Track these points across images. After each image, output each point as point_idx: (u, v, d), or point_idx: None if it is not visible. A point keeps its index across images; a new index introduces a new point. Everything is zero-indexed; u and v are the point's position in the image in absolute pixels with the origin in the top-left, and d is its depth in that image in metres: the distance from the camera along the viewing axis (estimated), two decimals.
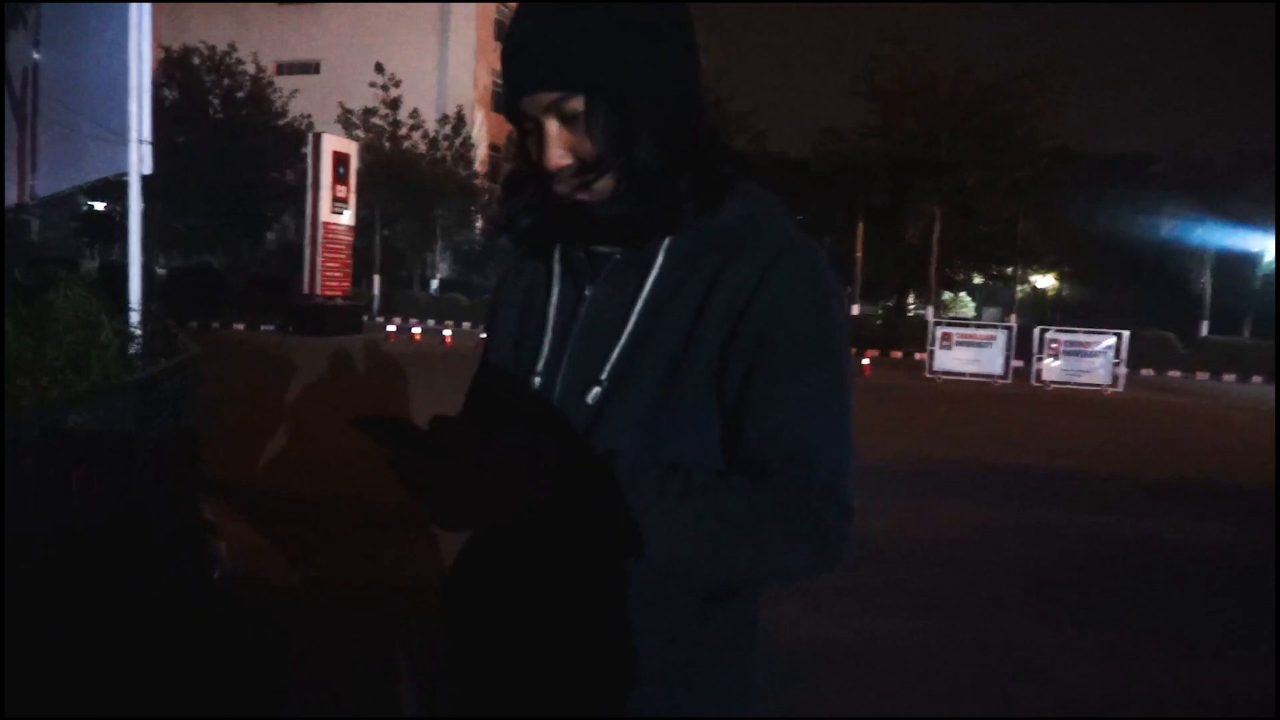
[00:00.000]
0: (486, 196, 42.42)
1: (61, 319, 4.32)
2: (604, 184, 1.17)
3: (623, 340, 1.19)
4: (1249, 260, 36.29)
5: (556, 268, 1.29)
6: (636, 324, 1.19)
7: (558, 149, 1.17)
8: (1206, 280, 36.72)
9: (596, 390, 1.19)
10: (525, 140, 1.22)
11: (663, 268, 1.20)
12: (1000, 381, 21.10)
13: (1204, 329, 35.19)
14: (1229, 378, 28.15)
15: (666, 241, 1.20)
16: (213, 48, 39.18)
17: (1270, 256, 35.72)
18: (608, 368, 1.18)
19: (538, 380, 1.25)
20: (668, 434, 1.16)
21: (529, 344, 1.29)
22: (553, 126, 1.17)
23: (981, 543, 6.63)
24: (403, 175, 37.88)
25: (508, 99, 1.19)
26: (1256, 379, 27.88)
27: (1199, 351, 29.79)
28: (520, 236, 1.29)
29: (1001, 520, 7.31)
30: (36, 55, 5.95)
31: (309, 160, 26.12)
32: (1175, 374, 27.66)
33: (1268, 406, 19.67)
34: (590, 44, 1.13)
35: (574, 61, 1.13)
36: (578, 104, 1.15)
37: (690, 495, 1.07)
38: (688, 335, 1.16)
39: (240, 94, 39.52)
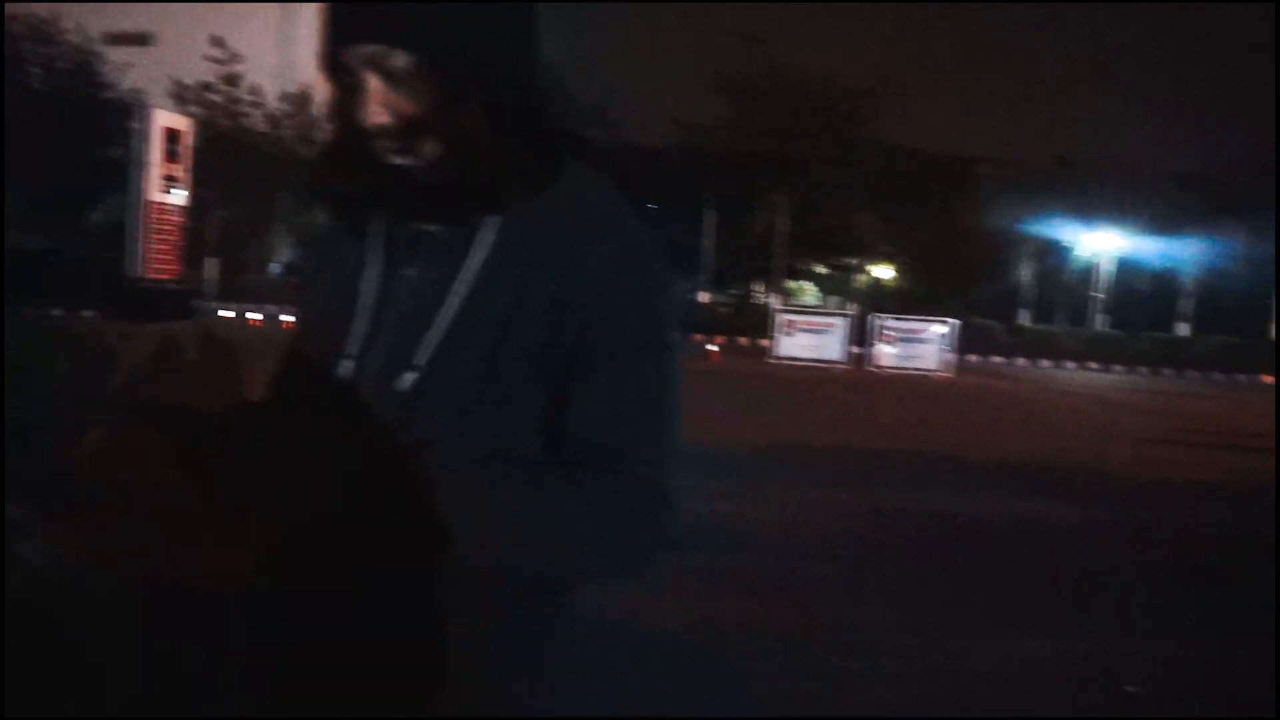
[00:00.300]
0: None
1: None
2: (427, 148, 1.09)
3: (440, 323, 1.11)
4: (1063, 255, 39.02)
5: (373, 245, 1.19)
6: (455, 306, 1.11)
7: (378, 106, 1.07)
8: (1026, 272, 39.20)
9: (412, 376, 1.11)
10: (344, 98, 1.13)
11: (486, 246, 1.12)
12: (839, 367, 21.94)
13: (1024, 318, 37.62)
14: (1045, 363, 30.21)
15: (491, 220, 1.13)
16: (34, 15, 36.53)
17: (1079, 251, 38.53)
18: (424, 352, 1.11)
19: (349, 365, 1.16)
20: (487, 424, 1.10)
21: (341, 326, 1.19)
22: (373, 82, 1.07)
23: (816, 525, 6.85)
24: (241, 155, 36.27)
25: (326, 50, 1.11)
26: (1069, 364, 30.04)
27: (1020, 338, 31.89)
28: (336, 205, 1.21)
29: (836, 502, 7.58)
30: None
31: (138, 136, 24.70)
32: (998, 359, 29.45)
33: (1082, 389, 21.17)
34: None
35: (402, 14, 1.06)
36: (402, 60, 1.06)
37: (505, 487, 1.05)
38: (510, 321, 1.09)
39: (64, 65, 36.98)
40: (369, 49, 1.07)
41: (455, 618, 1.12)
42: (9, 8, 35.56)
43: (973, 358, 28.20)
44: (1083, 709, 3.98)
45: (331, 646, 1.15)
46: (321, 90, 1.21)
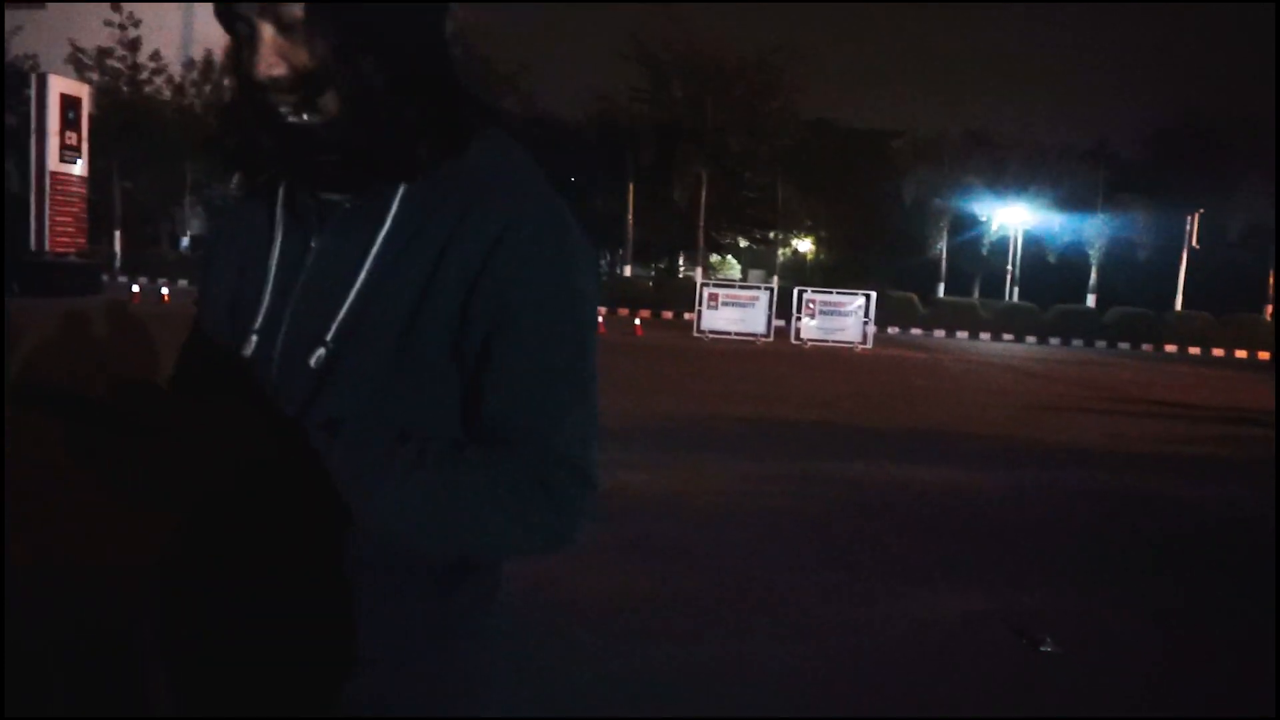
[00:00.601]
0: None
1: None
2: (327, 103, 1.05)
3: (351, 297, 1.07)
4: (978, 229, 39.97)
5: (280, 215, 1.15)
6: (366, 279, 1.07)
7: (271, 57, 1.03)
8: (942, 246, 40.06)
9: (321, 352, 1.07)
10: (240, 50, 1.07)
11: (396, 217, 1.08)
12: (763, 340, 22.18)
13: (941, 291, 38.47)
14: (962, 334, 31.02)
15: (402, 189, 1.09)
16: None
17: (993, 225, 39.55)
18: (334, 327, 1.07)
19: (254, 340, 1.12)
20: (401, 400, 1.07)
21: (247, 301, 1.15)
22: (267, 31, 1.03)
23: (735, 495, 6.94)
24: (144, 123, 34.95)
25: None
26: (984, 335, 30.88)
27: (937, 311, 32.59)
28: (236, 165, 1.16)
29: (756, 472, 7.70)
30: None
31: (33, 103, 23.60)
32: (917, 331, 30.15)
33: (995, 359, 21.75)
34: None
35: None
36: (297, 9, 1.02)
37: (419, 467, 1.01)
38: (422, 293, 1.06)
39: None
40: None
41: (369, 602, 1.09)
42: None
43: (893, 330, 28.84)
44: (999, 665, 4.11)
45: (241, 629, 1.11)
46: (226, 55, 1.13)
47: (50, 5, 46.58)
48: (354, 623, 1.09)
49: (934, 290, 37.78)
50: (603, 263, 45.35)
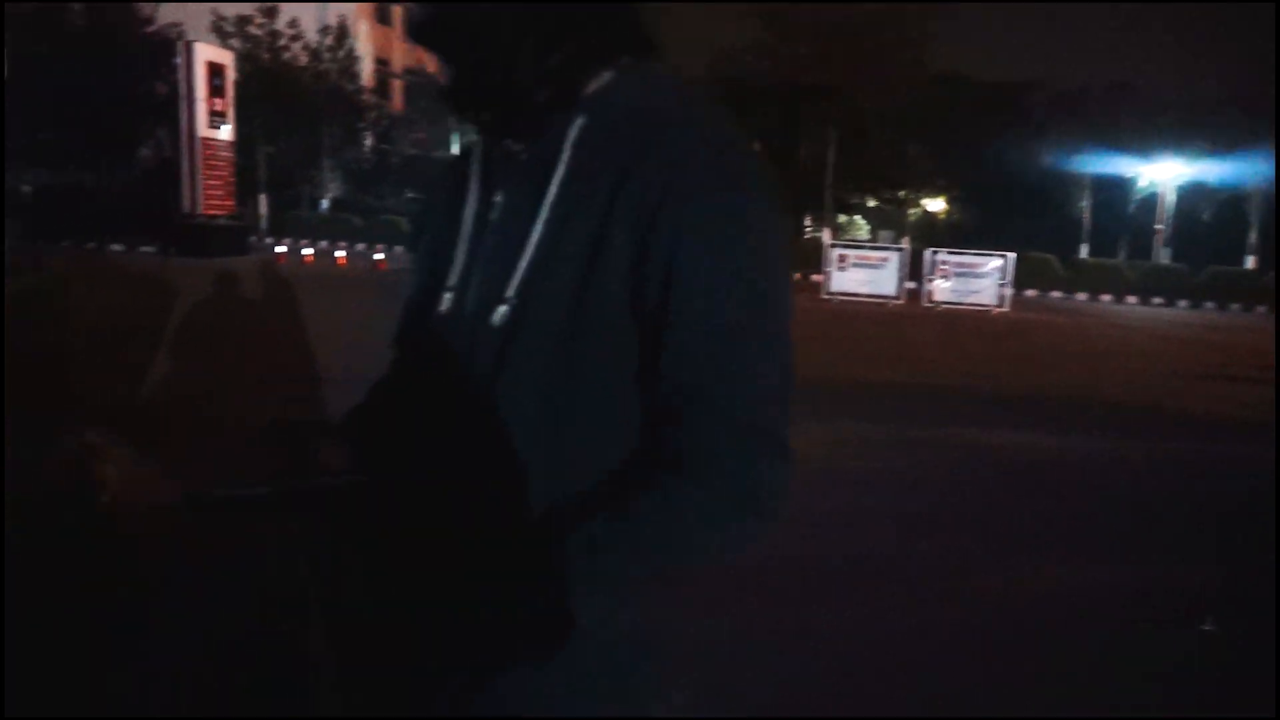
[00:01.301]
0: (374, 113, 40.94)
1: None
2: (467, 42, 1.06)
3: (529, 251, 1.03)
4: (1124, 186, 37.85)
5: (474, 171, 1.14)
6: (542, 232, 1.03)
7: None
8: (1086, 204, 38.16)
9: (503, 309, 1.03)
10: None
11: (568, 165, 1.04)
12: (894, 302, 21.64)
13: (1083, 251, 36.71)
14: (1106, 298, 29.48)
15: (572, 134, 1.04)
16: None
17: (1144, 183, 37.38)
18: (514, 283, 1.03)
19: (448, 298, 1.11)
20: (579, 361, 1.01)
21: (445, 259, 1.14)
22: None
23: (867, 459, 6.82)
24: (284, 89, 36.23)
25: None
26: (1130, 299, 29.30)
27: (1079, 273, 31.08)
28: (444, 99, 1.14)
29: (886, 436, 7.54)
30: None
31: (181, 71, 24.70)
32: (1057, 294, 28.81)
33: (1140, 325, 20.68)
34: None
35: None
36: None
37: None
38: (596, 249, 1.00)
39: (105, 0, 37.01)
40: None
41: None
42: None
43: (1030, 293, 27.68)
44: (1144, 644, 3.91)
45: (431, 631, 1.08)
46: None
47: None
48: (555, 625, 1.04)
49: (1075, 251, 36.06)
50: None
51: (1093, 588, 4.47)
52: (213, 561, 4.07)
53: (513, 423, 1.03)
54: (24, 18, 29.82)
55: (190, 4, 38.43)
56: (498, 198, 1.10)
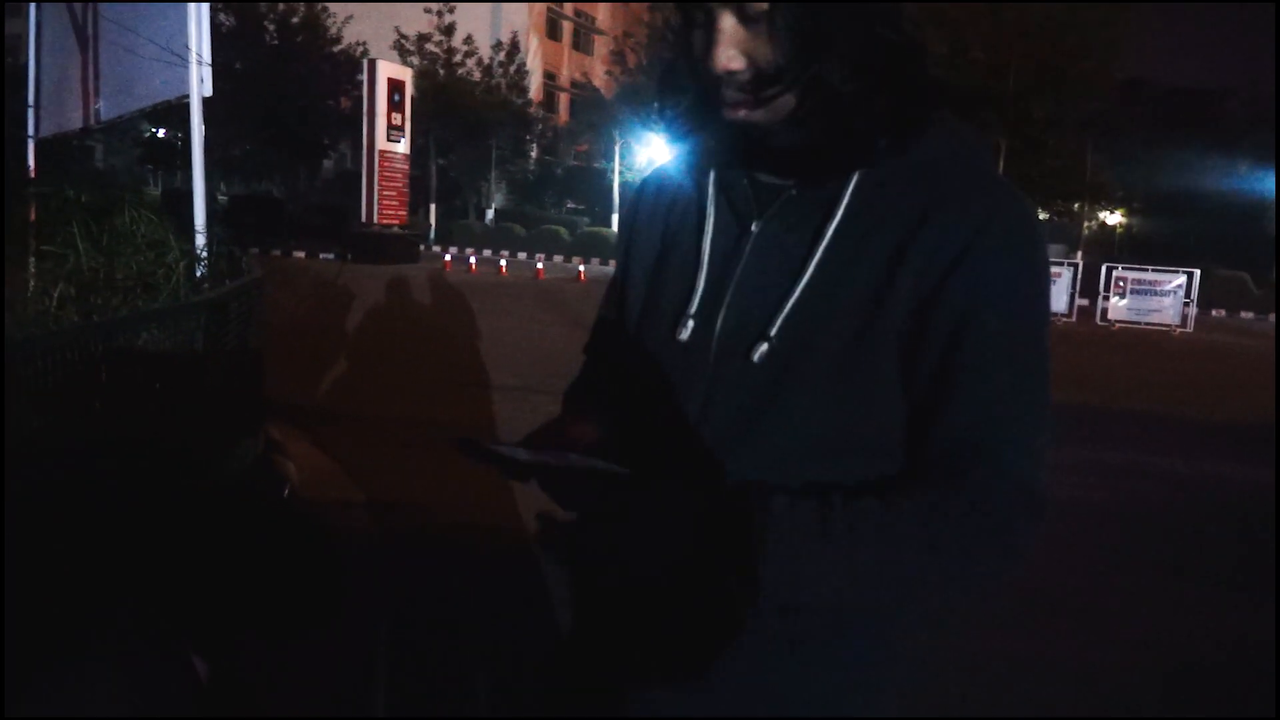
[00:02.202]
0: (540, 126, 42.09)
1: (130, 241, 4.35)
2: (783, 102, 0.97)
3: (798, 291, 1.00)
4: None
5: (712, 194, 1.10)
6: (815, 273, 1.00)
7: (730, 49, 0.96)
8: None
9: (764, 347, 1.01)
10: (690, 32, 1.02)
11: (849, 208, 1.01)
12: (1064, 320, 20.66)
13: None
14: None
15: (855, 178, 1.01)
16: None
17: None
18: (779, 321, 1.00)
19: (690, 326, 1.07)
20: (846, 408, 0.99)
21: (675, 282, 1.11)
22: (728, 22, 0.96)
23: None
24: (457, 103, 37.72)
25: None
26: None
27: (1274, 292, 28.84)
28: (688, 165, 1.13)
29: (1063, 462, 7.08)
30: None
31: (365, 87, 26.05)
32: (1248, 315, 26.84)
33: None
34: None
35: None
36: (763, 2, 0.95)
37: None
38: (877, 295, 0.98)
39: (295, 19, 39.47)
40: None
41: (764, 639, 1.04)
42: None
43: (1218, 313, 25.93)
44: None
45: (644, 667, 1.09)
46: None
47: None
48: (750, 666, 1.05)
49: (1270, 270, 33.52)
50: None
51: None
52: (394, 557, 4.26)
53: (773, 462, 1.01)
54: (223, 37, 32.12)
55: (375, 24, 40.56)
56: (755, 228, 1.06)
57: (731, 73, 0.97)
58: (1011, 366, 0.98)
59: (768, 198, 1.06)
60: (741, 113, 0.99)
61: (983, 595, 1.00)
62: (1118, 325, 20.36)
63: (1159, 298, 20.45)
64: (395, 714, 2.96)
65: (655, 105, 1.11)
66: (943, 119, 1.05)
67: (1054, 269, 21.73)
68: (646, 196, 1.23)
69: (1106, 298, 20.86)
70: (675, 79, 1.08)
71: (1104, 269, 21.12)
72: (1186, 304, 20.35)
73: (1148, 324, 20.23)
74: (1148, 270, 20.93)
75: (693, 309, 1.08)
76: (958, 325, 0.97)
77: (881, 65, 0.98)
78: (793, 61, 0.96)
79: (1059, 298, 20.96)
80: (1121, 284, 20.68)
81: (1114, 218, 42.89)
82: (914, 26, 1.03)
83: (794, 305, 1.01)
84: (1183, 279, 20.34)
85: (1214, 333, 20.62)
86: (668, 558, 0.94)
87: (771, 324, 1.01)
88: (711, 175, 1.11)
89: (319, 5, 40.01)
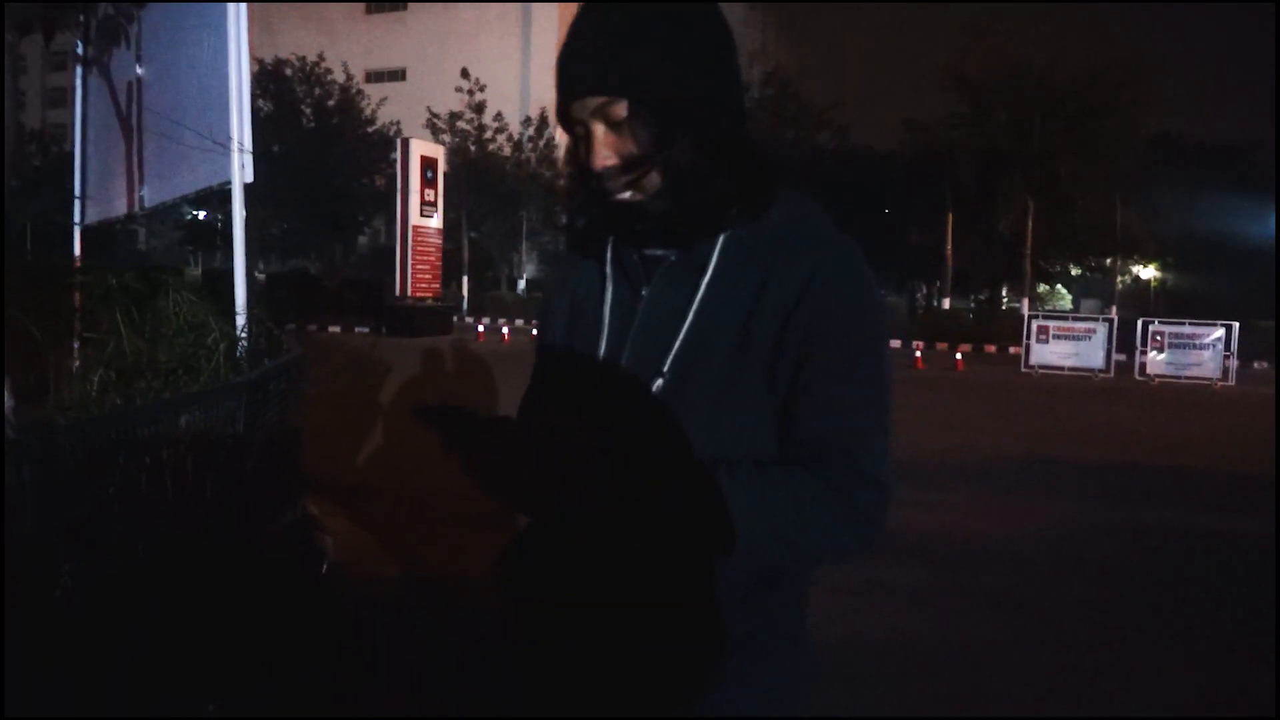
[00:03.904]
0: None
1: (171, 323, 4.46)
2: (650, 181, 1.24)
3: (681, 336, 1.25)
4: None
5: (609, 269, 1.35)
6: (694, 321, 1.25)
7: (603, 150, 1.24)
8: None
9: (659, 382, 1.25)
10: (577, 145, 1.29)
11: (716, 268, 1.27)
12: (1101, 375, 20.43)
13: None
14: None
15: (720, 243, 1.27)
16: (303, 58, 40.31)
17: None
18: (669, 361, 1.25)
19: (597, 374, 1.31)
20: (729, 424, 1.23)
21: (583, 343, 1.35)
22: (599, 130, 1.24)
23: (1070, 543, 6.38)
24: (488, 178, 38.42)
25: (561, 105, 1.27)
26: None
27: None
28: (578, 238, 1.38)
29: (1093, 519, 7.04)
30: (140, 69, 6.15)
31: (398, 165, 26.67)
32: None
33: None
34: (633, 51, 1.21)
35: (618, 67, 1.21)
36: (621, 109, 1.22)
37: (738, 487, 1.14)
38: (743, 333, 1.23)
39: (330, 103, 40.60)
40: (594, 101, 1.23)
41: (702, 601, 1.24)
42: (281, 54, 39.39)
43: (1260, 365, 25.53)
44: None
45: (584, 627, 1.27)
46: (567, 152, 1.38)
47: (410, 75, 52.56)
48: (700, 621, 1.24)
49: None
50: (919, 295, 43.93)
51: None
52: (426, 631, 4.26)
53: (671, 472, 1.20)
54: (261, 122, 33.06)
55: (408, 103, 41.58)
56: (645, 292, 1.31)
57: (607, 168, 1.25)
58: (851, 379, 1.22)
59: (654, 266, 1.31)
60: (623, 195, 1.26)
61: (843, 561, 1.21)
62: (1157, 380, 20.09)
63: (1198, 351, 20.18)
64: None
65: (562, 211, 1.41)
66: (789, 193, 1.32)
67: (1089, 325, 21.60)
68: (560, 279, 1.48)
69: (1144, 353, 20.61)
70: (574, 185, 1.33)
71: (1140, 323, 20.91)
72: (1227, 356, 20.06)
73: (1188, 378, 19.95)
74: (1185, 324, 20.69)
75: (600, 358, 1.32)
76: (804, 349, 1.22)
77: (722, 150, 1.26)
78: (648, 149, 1.23)
79: (1095, 354, 20.76)
80: (1159, 338, 20.45)
81: (1148, 272, 42.58)
82: (745, 122, 1.32)
83: (681, 344, 1.25)
84: (1221, 332, 20.09)
85: (1256, 385, 20.26)
86: (584, 482, 1.10)
87: (664, 361, 1.26)
88: (608, 255, 1.36)
89: (354, 89, 41.11)
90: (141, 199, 6.27)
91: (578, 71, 1.24)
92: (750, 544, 1.14)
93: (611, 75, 1.22)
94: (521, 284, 41.99)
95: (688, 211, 1.24)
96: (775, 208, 1.29)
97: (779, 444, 1.24)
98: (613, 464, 1.12)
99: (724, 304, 1.25)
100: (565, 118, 1.28)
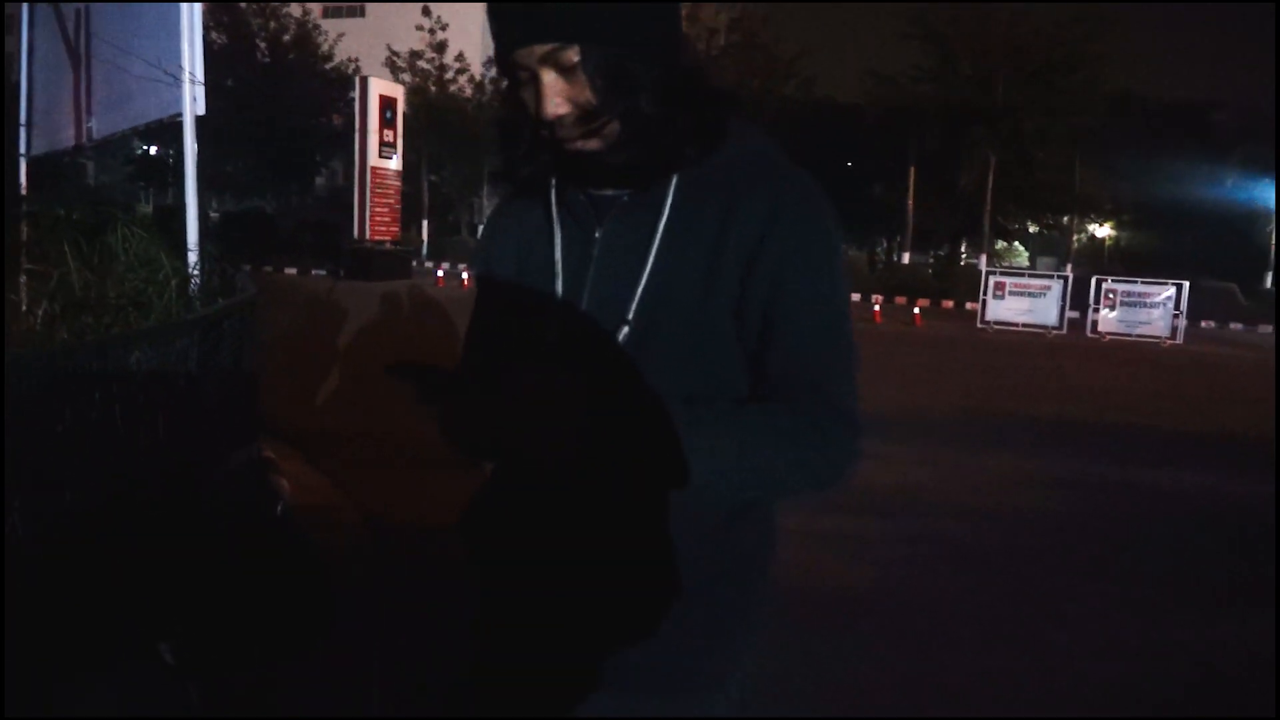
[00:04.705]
0: None
1: (121, 258, 4.35)
2: (610, 129, 1.18)
3: (644, 279, 1.21)
4: None
5: (556, 213, 1.29)
6: (655, 261, 1.21)
7: (555, 98, 1.17)
8: (1271, 230, 35.70)
9: (625, 330, 1.21)
10: (518, 90, 1.22)
11: (673, 206, 1.22)
12: (1055, 332, 20.73)
13: (1268, 281, 34.31)
14: None
15: (674, 180, 1.23)
16: None
17: None
18: (633, 307, 1.21)
19: (555, 323, 1.26)
20: (699, 369, 1.20)
21: (534, 290, 1.30)
22: (549, 76, 1.16)
23: (1025, 497, 6.52)
24: (449, 120, 37.77)
25: (501, 52, 1.20)
26: None
27: (1262, 303, 29.04)
28: (523, 184, 1.31)
29: (1047, 473, 7.20)
30: None
31: (356, 104, 26.08)
32: (1237, 326, 26.92)
33: None
34: None
35: (569, 12, 1.13)
36: (573, 54, 1.15)
37: (713, 422, 1.12)
38: (708, 273, 1.19)
39: (286, 37, 39.52)
40: (542, 48, 1.15)
41: (671, 536, 1.23)
42: None
43: (1208, 324, 26.04)
44: None
45: (552, 568, 1.26)
46: (503, 95, 1.29)
47: (369, 11, 51.35)
48: (663, 558, 1.23)
49: (1260, 281, 33.74)
50: (879, 249, 44.14)
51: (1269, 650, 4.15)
52: (386, 570, 4.26)
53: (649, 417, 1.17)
54: (215, 55, 32.12)
55: (367, 40, 40.63)
56: (599, 234, 1.25)
57: (560, 116, 1.17)
58: (817, 317, 1.20)
59: (605, 208, 1.26)
60: (577, 144, 1.19)
61: (819, 490, 1.19)
62: (1107, 337, 20.44)
63: (1148, 309, 20.53)
64: None
65: (504, 158, 1.30)
66: (740, 125, 1.27)
67: (1044, 282, 21.87)
68: (498, 224, 1.42)
69: (1096, 310, 20.92)
70: (511, 129, 1.26)
71: (1094, 281, 21.19)
72: (1176, 316, 20.43)
73: (1138, 336, 20.30)
74: (1137, 283, 21.02)
75: (554, 309, 1.27)
76: (771, 286, 1.19)
77: (679, 90, 1.20)
78: (608, 97, 1.16)
79: (1049, 311, 21.05)
80: (1111, 296, 20.76)
81: (1104, 230, 43.13)
82: (694, 53, 1.28)
83: (644, 290, 1.21)
84: (1172, 291, 20.44)
85: (1203, 344, 20.71)
86: (561, 439, 1.07)
87: (627, 309, 1.21)
88: (552, 196, 1.30)
89: (310, 24, 40.05)
90: (90, 130, 6.08)
91: (522, 18, 1.15)
92: (727, 475, 1.12)
93: (563, 22, 1.14)
94: (482, 229, 41.62)
95: (648, 158, 1.19)
96: (729, 141, 1.25)
97: (752, 386, 1.22)
98: (591, 412, 1.08)
99: (684, 245, 1.21)
100: (506, 64, 1.21)
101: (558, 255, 1.27)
